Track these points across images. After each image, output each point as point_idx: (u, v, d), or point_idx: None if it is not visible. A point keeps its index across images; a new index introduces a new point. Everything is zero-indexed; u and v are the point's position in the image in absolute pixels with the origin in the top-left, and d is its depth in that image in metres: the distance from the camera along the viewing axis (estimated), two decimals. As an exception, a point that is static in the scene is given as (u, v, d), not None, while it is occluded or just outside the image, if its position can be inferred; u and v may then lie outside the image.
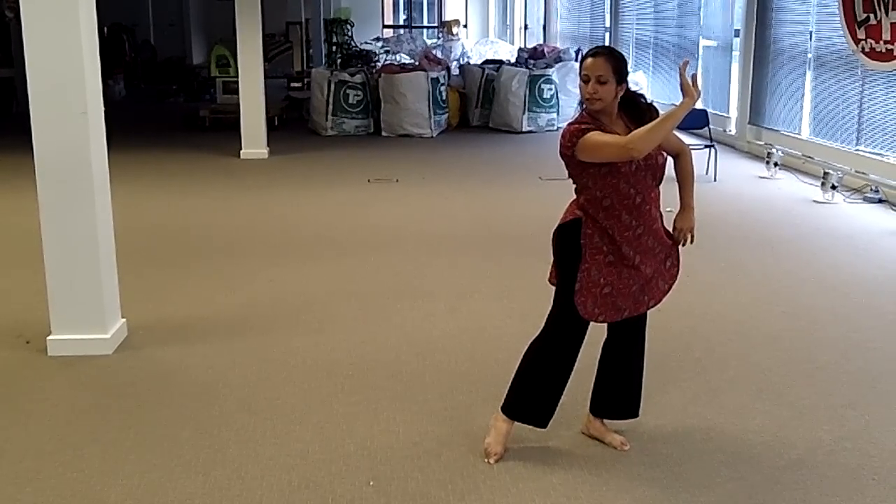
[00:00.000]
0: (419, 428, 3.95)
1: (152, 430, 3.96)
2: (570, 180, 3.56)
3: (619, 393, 3.79)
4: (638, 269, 3.52)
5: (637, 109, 3.53)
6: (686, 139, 11.66)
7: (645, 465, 3.63)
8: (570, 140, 3.39)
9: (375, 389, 4.37)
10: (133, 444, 3.82)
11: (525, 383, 3.68)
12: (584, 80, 3.41)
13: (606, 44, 18.00)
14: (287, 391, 4.36)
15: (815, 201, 8.76)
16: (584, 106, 3.48)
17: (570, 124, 3.46)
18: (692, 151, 3.77)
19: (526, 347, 3.72)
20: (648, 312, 3.70)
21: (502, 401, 3.73)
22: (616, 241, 3.47)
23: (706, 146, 10.00)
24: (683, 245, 3.71)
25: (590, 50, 3.51)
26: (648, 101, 3.65)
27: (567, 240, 3.55)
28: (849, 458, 3.71)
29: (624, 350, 3.74)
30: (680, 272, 3.74)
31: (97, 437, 3.89)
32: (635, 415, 3.84)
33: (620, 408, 3.81)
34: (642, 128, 3.28)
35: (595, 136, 3.34)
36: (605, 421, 3.85)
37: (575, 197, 3.59)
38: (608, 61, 3.39)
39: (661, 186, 3.57)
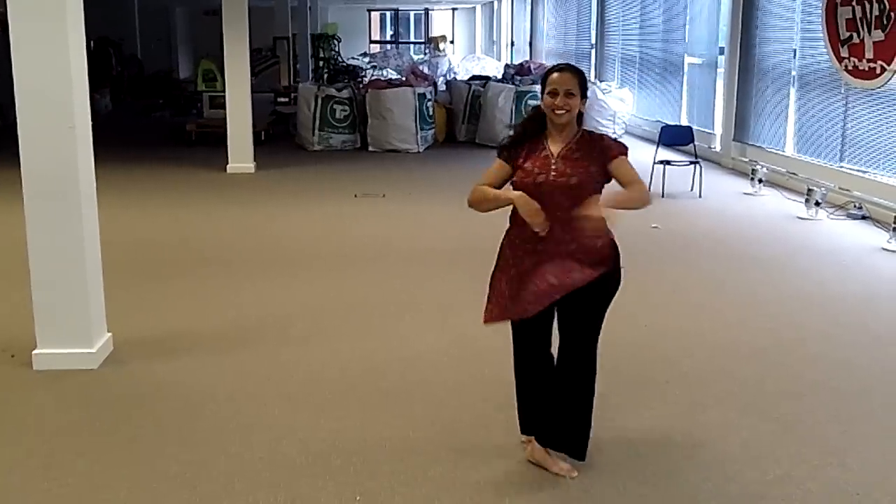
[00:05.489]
0: (406, 443, 3.95)
1: (139, 445, 3.94)
2: None
3: (564, 426, 3.63)
4: (535, 272, 3.49)
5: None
6: (671, 156, 11.70)
7: (636, 481, 3.63)
8: None
9: (362, 404, 4.37)
10: (119, 459, 3.81)
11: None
12: (552, 94, 3.46)
13: (592, 60, 18.13)
14: (274, 405, 4.35)
15: (799, 217, 8.83)
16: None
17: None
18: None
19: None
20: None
21: None
22: (521, 251, 3.57)
23: (691, 163, 10.08)
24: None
25: (553, 66, 3.59)
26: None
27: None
28: (833, 473, 3.73)
29: (570, 383, 3.58)
30: (594, 274, 3.48)
31: (83, 451, 3.88)
32: (581, 457, 3.64)
33: (566, 442, 3.65)
34: (483, 195, 3.69)
35: (493, 167, 3.66)
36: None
37: None
38: (574, 76, 3.49)
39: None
